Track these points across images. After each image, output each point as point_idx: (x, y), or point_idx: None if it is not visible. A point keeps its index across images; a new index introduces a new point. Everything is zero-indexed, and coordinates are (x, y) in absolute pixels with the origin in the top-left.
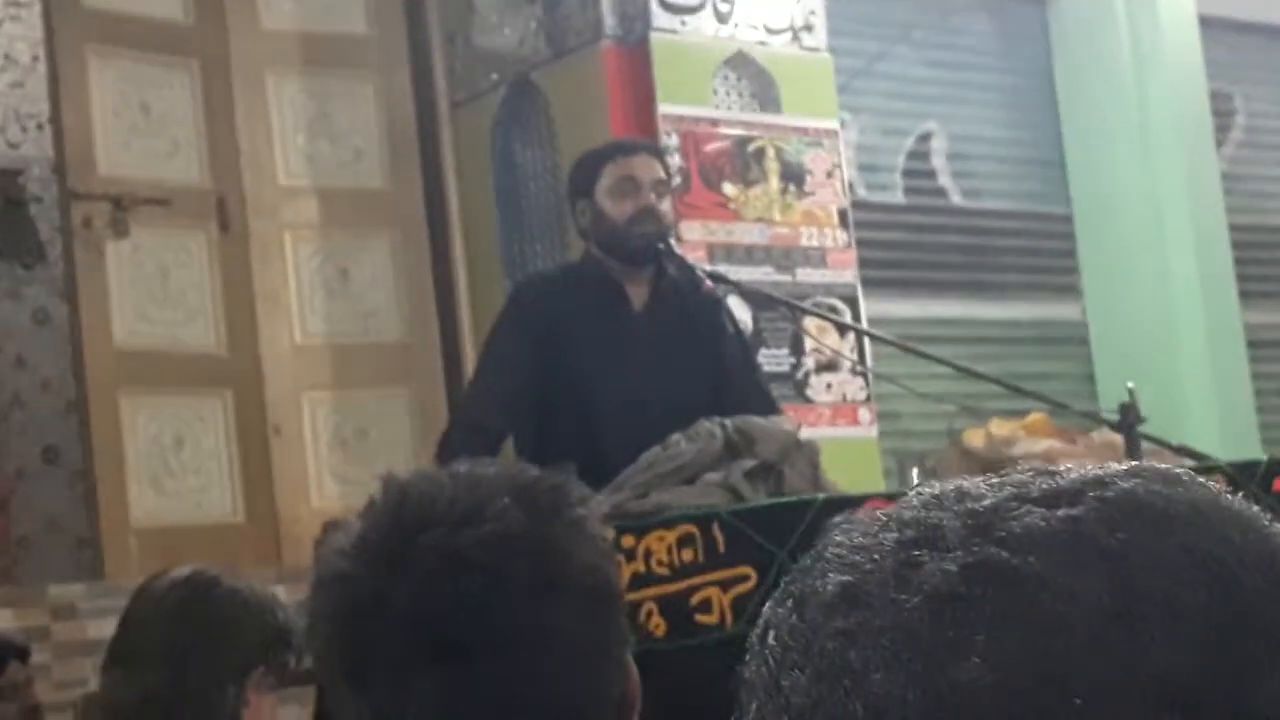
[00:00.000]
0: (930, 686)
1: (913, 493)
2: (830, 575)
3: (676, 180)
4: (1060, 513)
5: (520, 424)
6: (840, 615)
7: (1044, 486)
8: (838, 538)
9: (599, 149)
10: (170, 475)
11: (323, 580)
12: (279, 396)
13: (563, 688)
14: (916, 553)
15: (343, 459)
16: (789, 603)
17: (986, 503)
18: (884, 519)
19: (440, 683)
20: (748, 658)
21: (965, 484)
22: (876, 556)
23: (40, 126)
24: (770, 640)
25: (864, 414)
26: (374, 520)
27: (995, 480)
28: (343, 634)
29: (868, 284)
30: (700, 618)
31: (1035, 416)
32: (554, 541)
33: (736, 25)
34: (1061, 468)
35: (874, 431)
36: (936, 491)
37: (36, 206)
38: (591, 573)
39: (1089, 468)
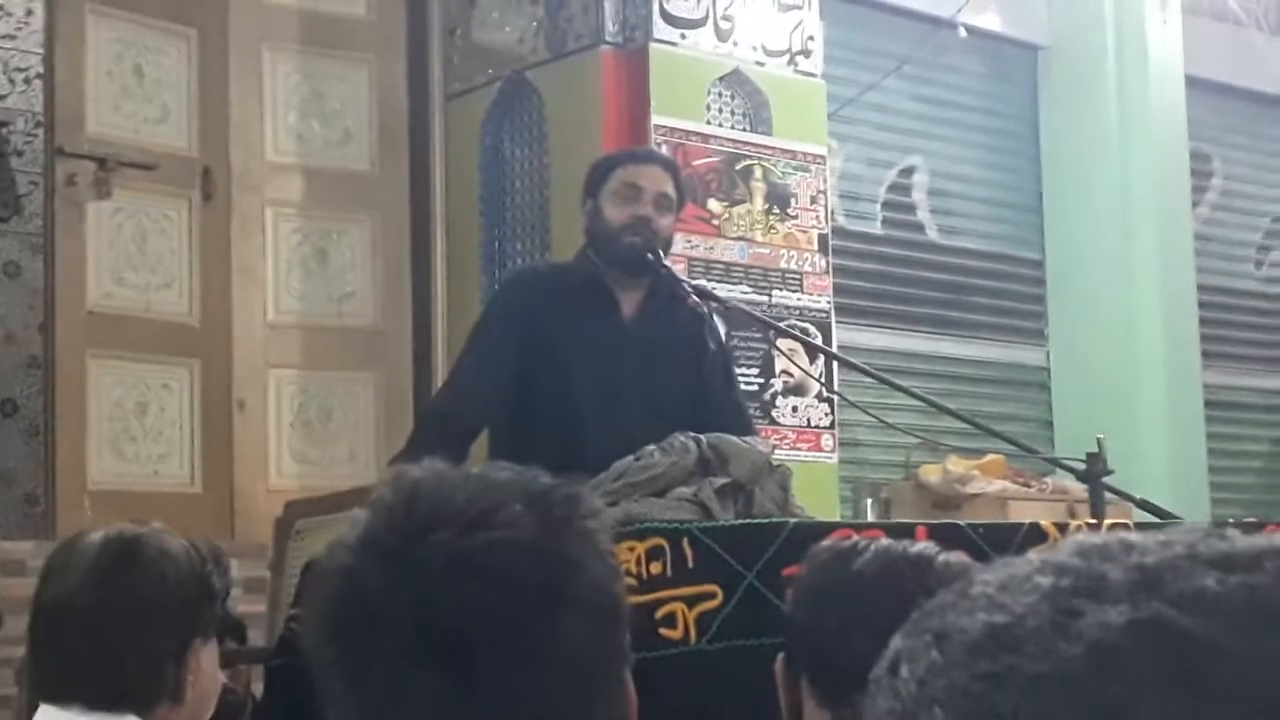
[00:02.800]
0: None
1: (1068, 539)
2: (978, 614)
3: (686, 201)
4: (1235, 578)
5: (496, 419)
6: (988, 657)
7: (1217, 549)
8: (984, 575)
9: (616, 152)
10: (131, 440)
11: (326, 572)
12: (246, 371)
13: (561, 701)
14: (1076, 601)
15: (305, 439)
16: (926, 637)
17: (1154, 558)
18: (1035, 562)
19: (438, 686)
20: (871, 688)
21: (1129, 536)
22: (1030, 600)
23: (28, 80)
24: (903, 673)
25: (827, 440)
26: (382, 516)
27: (1162, 537)
28: (342, 629)
29: (838, 311)
30: (664, 631)
31: (992, 457)
32: (564, 551)
33: (735, 44)
34: (1229, 532)
35: (835, 458)
36: (1097, 540)
37: (16, 160)
38: (599, 586)
39: (1261, 535)
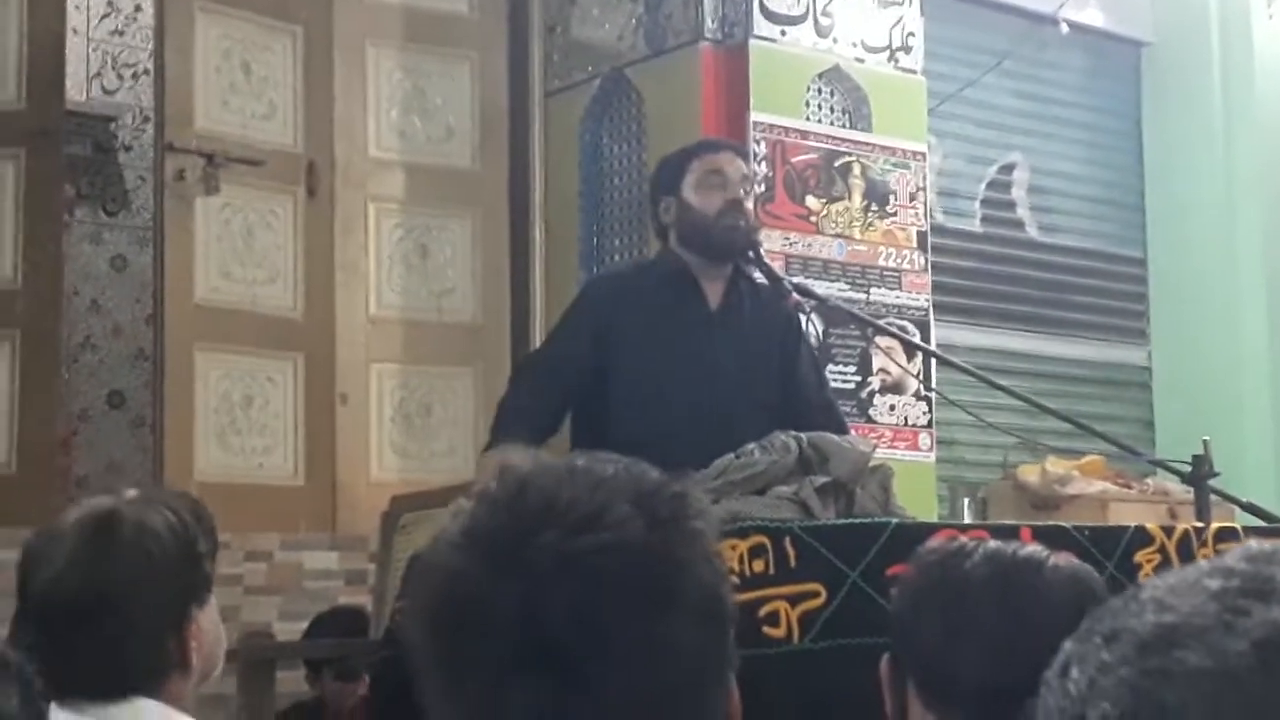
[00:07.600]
0: None
1: (1237, 547)
2: (1147, 615)
3: (760, 185)
4: None
5: (555, 413)
6: (1157, 654)
7: None
8: (1154, 581)
9: (685, 148)
10: (236, 432)
11: (430, 568)
12: (349, 365)
13: (666, 704)
14: (1243, 601)
15: (405, 433)
16: (1097, 639)
17: None
18: (1205, 567)
19: (542, 688)
20: (1042, 689)
21: None
22: (1198, 601)
23: (136, 76)
24: (1074, 673)
25: (924, 439)
26: (488, 513)
27: None
28: (445, 628)
29: (937, 309)
30: (767, 630)
31: (1091, 458)
32: (671, 553)
33: (835, 40)
34: None
35: (933, 457)
36: (1265, 547)
37: (125, 154)
38: (705, 589)
39: None
